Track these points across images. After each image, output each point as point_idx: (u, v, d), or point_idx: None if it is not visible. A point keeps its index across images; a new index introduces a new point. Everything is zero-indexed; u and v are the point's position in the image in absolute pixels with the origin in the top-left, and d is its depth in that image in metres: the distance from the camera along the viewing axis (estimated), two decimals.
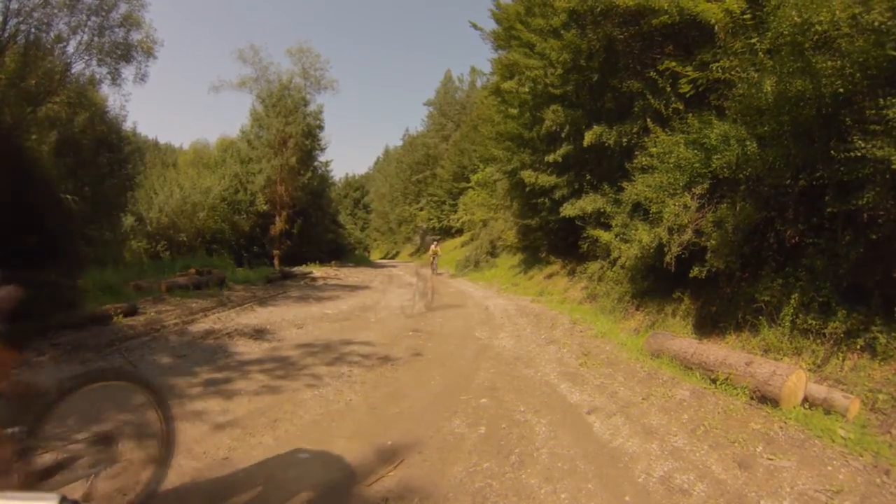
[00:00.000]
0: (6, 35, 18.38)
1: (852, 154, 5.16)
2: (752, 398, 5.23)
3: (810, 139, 6.11)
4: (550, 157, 14.10)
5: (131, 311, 9.76)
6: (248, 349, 7.56)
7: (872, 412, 4.74)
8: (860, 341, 5.42)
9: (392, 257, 65.37)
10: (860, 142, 5.10)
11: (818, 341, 5.83)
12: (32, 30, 19.48)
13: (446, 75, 63.81)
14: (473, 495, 3.22)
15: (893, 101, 4.83)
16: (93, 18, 20.72)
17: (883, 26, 4.93)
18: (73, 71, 21.59)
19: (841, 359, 5.50)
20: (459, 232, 43.37)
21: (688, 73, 8.22)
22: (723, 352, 6.04)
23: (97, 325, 8.75)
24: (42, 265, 13.62)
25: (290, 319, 10.44)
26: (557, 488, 3.33)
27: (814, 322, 5.92)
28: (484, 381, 5.94)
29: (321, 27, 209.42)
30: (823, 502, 3.25)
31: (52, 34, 20.11)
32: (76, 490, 2.69)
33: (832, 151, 5.49)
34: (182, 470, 3.55)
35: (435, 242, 26.55)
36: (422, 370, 6.43)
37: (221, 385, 5.71)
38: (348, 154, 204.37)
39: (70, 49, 20.90)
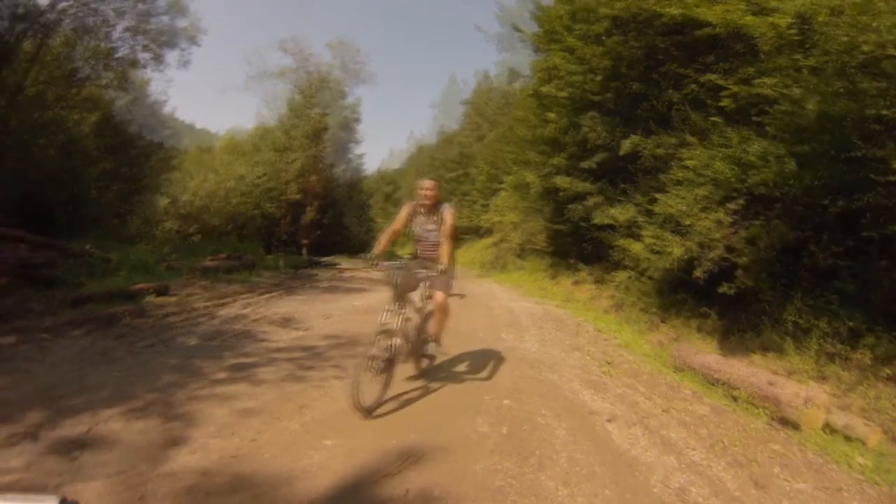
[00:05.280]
0: (54, 16, 18.87)
1: (892, 178, 5.11)
2: (772, 419, 5.21)
3: (851, 161, 6.06)
4: (585, 164, 14.02)
5: (163, 291, 10.00)
6: (276, 336, 7.72)
7: (893, 442, 4.71)
8: (887, 370, 5.38)
9: None
10: None
11: (844, 367, 5.78)
12: (80, 12, 19.99)
13: (484, 75, 63.83)
14: (493, 493, 3.29)
15: None
16: (140, 5, 21.22)
17: None
18: (117, 54, 22.13)
19: (866, 387, 5.45)
20: (489, 232, 43.33)
21: (730, 87, 8.16)
22: (747, 370, 6.02)
23: (129, 302, 8.98)
24: (75, 236, 14.00)
25: (319, 310, 10.60)
26: (575, 492, 3.39)
27: (841, 347, 5.87)
28: (507, 383, 6.00)
29: (358, 20, 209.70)
30: None
31: (98, 18, 20.61)
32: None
33: (872, 175, 5.44)
34: (209, 448, 3.68)
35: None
36: (447, 368, 6.51)
37: (249, 370, 5.86)
38: (383, 148, 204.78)
39: (115, 33, 21.46)
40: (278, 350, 6.90)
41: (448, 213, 5.52)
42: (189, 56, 23.50)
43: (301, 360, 6.48)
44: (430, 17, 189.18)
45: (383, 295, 14.97)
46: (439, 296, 5.38)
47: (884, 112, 5.42)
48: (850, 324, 5.93)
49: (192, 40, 23.44)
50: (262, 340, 7.39)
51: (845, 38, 5.71)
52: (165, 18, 22.30)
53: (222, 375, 5.58)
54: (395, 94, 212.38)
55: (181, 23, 22.95)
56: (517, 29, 17.48)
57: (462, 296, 12.22)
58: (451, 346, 7.71)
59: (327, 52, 51.36)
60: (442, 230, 5.48)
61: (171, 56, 23.56)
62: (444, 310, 5.49)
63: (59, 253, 9.99)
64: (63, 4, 19.00)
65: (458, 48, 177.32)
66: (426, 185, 5.54)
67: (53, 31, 19.08)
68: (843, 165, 6.09)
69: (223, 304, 10.08)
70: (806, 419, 4.89)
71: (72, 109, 22.08)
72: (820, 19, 6.84)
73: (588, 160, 13.95)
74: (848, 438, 4.78)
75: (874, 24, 5.38)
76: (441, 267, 5.11)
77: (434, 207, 5.56)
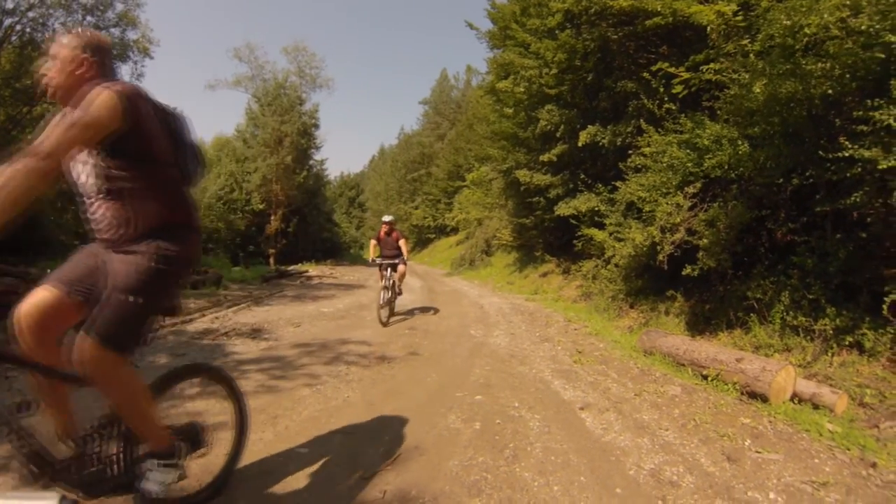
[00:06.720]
0: (1, 34, 18.41)
1: (841, 154, 5.26)
2: (742, 394, 5.33)
3: (800, 140, 6.22)
4: (545, 157, 14.19)
5: None
6: (245, 348, 7.60)
7: (860, 407, 4.85)
8: (849, 338, 5.54)
9: None
10: (848, 143, 5.20)
11: (808, 339, 5.94)
12: (27, 29, 19.54)
13: (442, 74, 64.09)
14: (469, 487, 3.29)
15: (880, 102, 4.92)
16: (88, 18, 20.81)
17: (871, 30, 5.02)
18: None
19: (830, 356, 5.61)
20: (454, 230, 43.46)
21: (681, 74, 8.32)
22: (714, 349, 6.14)
23: None
24: (35, 260, 13.62)
25: (287, 318, 10.48)
26: (550, 481, 3.41)
27: (804, 320, 6.03)
28: (479, 379, 6.00)
29: (317, 23, 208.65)
30: (809, 494, 3.34)
31: (47, 33, 20.16)
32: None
33: (821, 152, 5.59)
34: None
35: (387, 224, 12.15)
36: (418, 368, 6.49)
37: None
38: (343, 152, 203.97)
39: None
40: (248, 361, 6.80)
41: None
42: (143, 69, 23.02)
43: (271, 370, 6.38)
44: (429, 10, 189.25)
45: (351, 299, 14.81)
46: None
47: (829, 92, 5.58)
48: (811, 296, 6.09)
49: (145, 52, 22.94)
50: (233, 353, 7.28)
51: (788, 22, 5.85)
52: (116, 31, 21.80)
53: (193, 391, 5.46)
54: (390, 89, 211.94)
55: (132, 35, 22.47)
56: (471, 26, 17.52)
57: (435, 310, 12.18)
58: (421, 346, 7.71)
59: (282, 57, 51.06)
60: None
61: (124, 70, 23.08)
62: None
63: (20, 278, 9.70)
64: (10, 21, 18.57)
65: (458, 43, 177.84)
66: (55, 51, 2.33)
67: (1, 49, 18.64)
68: (794, 145, 6.25)
69: (191, 320, 9.90)
70: (774, 391, 5.01)
71: (24, 129, 21.53)
72: (763, 4, 7.02)
73: (547, 153, 14.10)
74: (816, 407, 4.92)
75: (816, 7, 5.52)
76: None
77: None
